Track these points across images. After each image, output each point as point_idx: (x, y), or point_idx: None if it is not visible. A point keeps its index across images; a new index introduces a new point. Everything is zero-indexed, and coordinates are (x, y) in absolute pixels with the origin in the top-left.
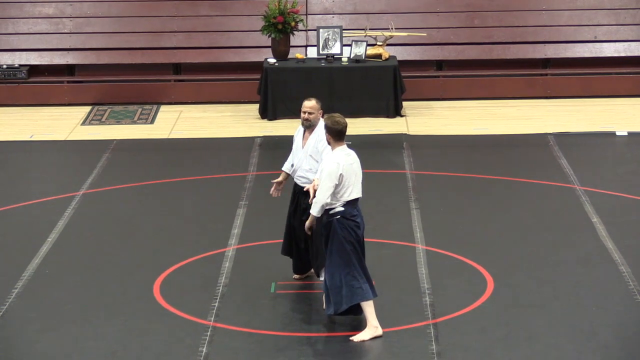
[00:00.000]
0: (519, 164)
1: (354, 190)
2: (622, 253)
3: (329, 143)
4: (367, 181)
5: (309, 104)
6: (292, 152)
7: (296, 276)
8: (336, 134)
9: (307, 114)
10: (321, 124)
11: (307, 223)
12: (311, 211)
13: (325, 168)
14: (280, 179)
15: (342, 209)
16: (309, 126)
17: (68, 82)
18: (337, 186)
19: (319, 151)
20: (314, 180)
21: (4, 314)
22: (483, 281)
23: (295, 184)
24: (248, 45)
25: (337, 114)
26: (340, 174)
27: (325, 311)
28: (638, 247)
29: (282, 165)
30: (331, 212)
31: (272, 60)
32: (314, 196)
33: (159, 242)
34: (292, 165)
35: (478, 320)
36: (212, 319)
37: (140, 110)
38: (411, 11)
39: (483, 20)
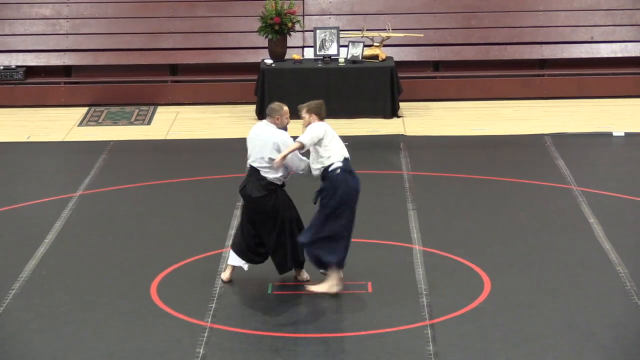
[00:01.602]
0: (516, 165)
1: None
2: (619, 253)
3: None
4: (364, 182)
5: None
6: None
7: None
8: (317, 112)
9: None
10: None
11: (278, 159)
12: (300, 138)
13: (310, 127)
14: None
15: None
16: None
17: (65, 83)
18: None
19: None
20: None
21: (1, 315)
22: (480, 282)
23: (244, 194)
24: (245, 46)
25: (313, 102)
26: (325, 130)
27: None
28: (635, 247)
29: None
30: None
31: (269, 61)
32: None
33: (156, 243)
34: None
35: (475, 321)
36: (209, 319)
37: (137, 111)
38: (408, 12)
39: (480, 21)
